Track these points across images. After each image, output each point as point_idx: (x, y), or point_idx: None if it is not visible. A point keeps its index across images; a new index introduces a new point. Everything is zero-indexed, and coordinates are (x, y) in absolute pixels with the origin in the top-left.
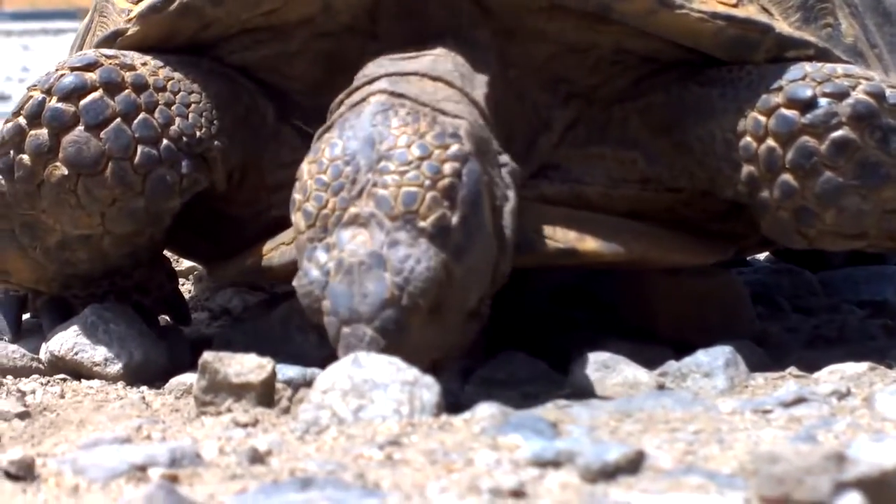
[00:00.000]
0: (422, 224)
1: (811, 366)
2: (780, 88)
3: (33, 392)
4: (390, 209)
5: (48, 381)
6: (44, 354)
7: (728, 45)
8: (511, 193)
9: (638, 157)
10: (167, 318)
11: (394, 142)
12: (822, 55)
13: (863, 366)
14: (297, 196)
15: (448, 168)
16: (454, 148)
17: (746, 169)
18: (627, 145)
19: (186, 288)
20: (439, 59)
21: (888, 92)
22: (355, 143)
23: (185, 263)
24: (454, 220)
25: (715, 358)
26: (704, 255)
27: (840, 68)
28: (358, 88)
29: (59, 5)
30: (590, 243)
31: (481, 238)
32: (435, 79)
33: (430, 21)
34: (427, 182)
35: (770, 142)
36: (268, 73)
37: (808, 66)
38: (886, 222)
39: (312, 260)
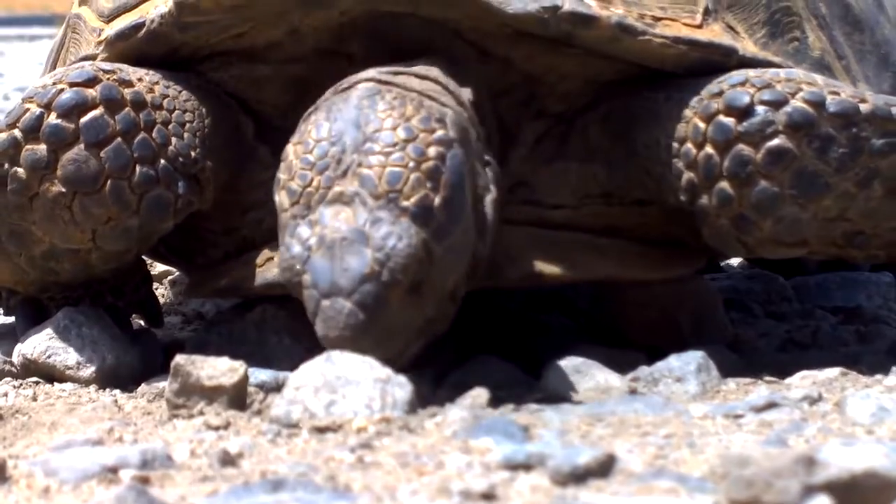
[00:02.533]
0: (404, 203)
1: (783, 371)
2: (720, 93)
3: (6, 395)
4: (374, 188)
5: (21, 384)
6: (16, 357)
7: (693, 67)
8: (493, 187)
9: (598, 170)
10: (140, 320)
11: (380, 124)
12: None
13: (834, 371)
14: (281, 176)
15: (433, 151)
16: (439, 132)
17: (687, 175)
18: (589, 157)
19: (160, 292)
20: (428, 66)
21: (829, 99)
22: (341, 124)
23: (160, 267)
24: (437, 201)
25: (687, 363)
26: (676, 268)
27: (783, 73)
28: (344, 86)
29: (36, 11)
30: (554, 267)
31: (462, 221)
32: (423, 77)
33: (404, 42)
34: (411, 163)
35: (708, 149)
36: (243, 91)
37: (751, 72)
38: (826, 231)
39: (295, 236)
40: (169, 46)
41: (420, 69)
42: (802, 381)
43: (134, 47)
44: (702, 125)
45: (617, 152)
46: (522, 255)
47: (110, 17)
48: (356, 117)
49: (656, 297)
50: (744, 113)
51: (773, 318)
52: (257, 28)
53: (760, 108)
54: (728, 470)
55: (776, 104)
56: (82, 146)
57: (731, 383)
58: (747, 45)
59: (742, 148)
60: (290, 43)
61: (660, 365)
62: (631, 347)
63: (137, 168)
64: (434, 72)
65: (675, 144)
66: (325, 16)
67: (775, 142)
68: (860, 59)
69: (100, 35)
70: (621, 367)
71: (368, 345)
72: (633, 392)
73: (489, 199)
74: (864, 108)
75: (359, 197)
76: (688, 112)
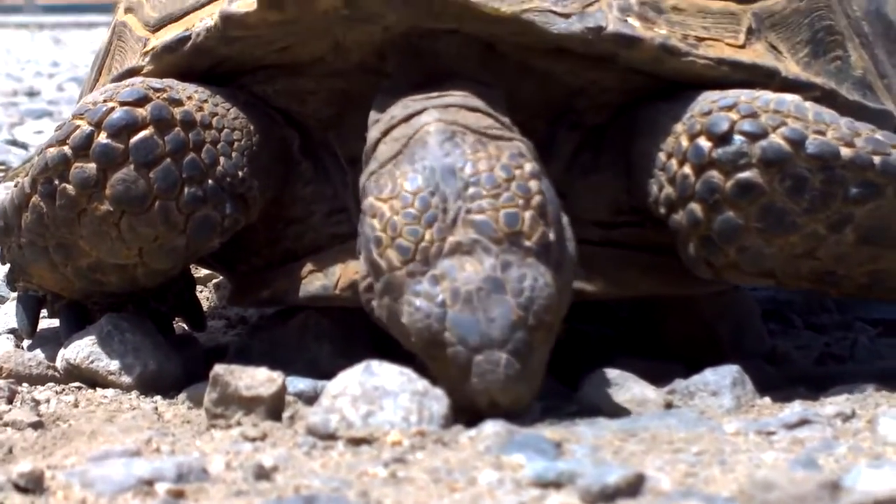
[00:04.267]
0: (527, 243)
1: (819, 385)
2: (708, 113)
3: (48, 401)
4: (493, 232)
5: (63, 390)
6: (60, 362)
7: (736, 87)
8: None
9: (630, 183)
10: (183, 324)
11: (475, 167)
12: (828, 96)
13: (869, 386)
14: (381, 234)
15: (534, 186)
16: (528, 167)
17: (666, 190)
18: (621, 169)
19: (205, 295)
20: (467, 95)
21: (809, 139)
22: (435, 172)
23: (203, 271)
24: (551, 235)
25: (723, 377)
26: (717, 284)
27: (775, 102)
28: (398, 124)
29: None
30: (596, 285)
31: (569, 252)
32: (472, 109)
33: (439, 60)
34: (521, 201)
35: (686, 167)
36: (286, 104)
37: (744, 95)
38: (793, 266)
39: (420, 294)
40: (214, 59)
41: (462, 99)
42: (836, 397)
43: (180, 60)
44: (685, 143)
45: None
46: None
47: (156, 28)
48: (447, 163)
49: (696, 309)
50: (721, 139)
51: (813, 330)
52: (301, 42)
53: (738, 138)
54: (753, 493)
55: (754, 136)
56: (132, 167)
57: (766, 398)
58: (790, 66)
59: (713, 174)
60: (332, 57)
61: (696, 378)
62: (670, 358)
63: (185, 188)
64: (475, 101)
65: (663, 157)
66: (368, 31)
67: (745, 174)
68: None
69: (145, 45)
70: (659, 378)
71: (524, 392)
72: (668, 406)
73: (565, 222)
74: (844, 152)
75: (479, 244)
76: (679, 127)
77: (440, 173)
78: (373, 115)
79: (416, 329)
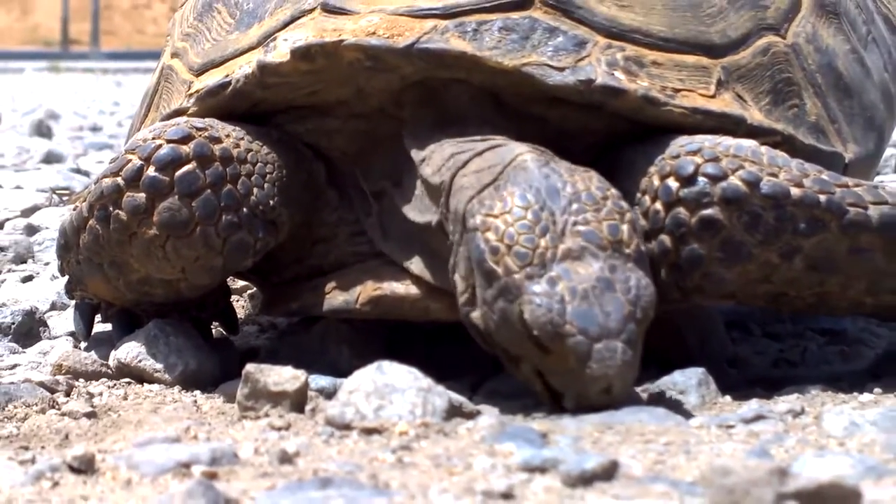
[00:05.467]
0: (627, 251)
1: (774, 386)
2: (677, 157)
3: (101, 394)
4: (599, 240)
5: (114, 385)
6: (112, 361)
7: (708, 132)
8: None
9: None
10: (220, 328)
11: (574, 187)
12: (787, 141)
13: (818, 387)
14: (498, 244)
15: (625, 204)
16: (614, 189)
17: (641, 223)
18: None
19: (241, 304)
20: (504, 139)
21: (764, 181)
22: (540, 192)
23: (240, 282)
24: (642, 246)
25: (689, 378)
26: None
27: (734, 148)
28: (472, 158)
29: (150, 46)
30: None
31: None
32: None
33: (449, 107)
34: (618, 216)
35: (657, 204)
36: (315, 140)
37: (707, 141)
38: (751, 289)
39: (540, 293)
40: (251, 101)
41: (505, 140)
42: (788, 396)
43: (221, 102)
44: (657, 182)
45: None
46: None
47: (199, 72)
48: (550, 184)
49: (668, 318)
50: (687, 180)
51: (769, 338)
52: (328, 87)
53: (701, 180)
54: (713, 479)
55: (715, 178)
56: (176, 197)
57: (728, 396)
58: (754, 114)
59: (680, 211)
60: (355, 101)
61: (666, 379)
62: (644, 361)
63: (223, 216)
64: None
65: (638, 194)
66: (387, 79)
67: (708, 212)
68: (850, 123)
69: (190, 87)
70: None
71: (633, 376)
72: (641, 402)
73: None
74: (794, 192)
75: (587, 251)
76: (652, 168)
77: (545, 192)
78: (415, 153)
79: (540, 323)
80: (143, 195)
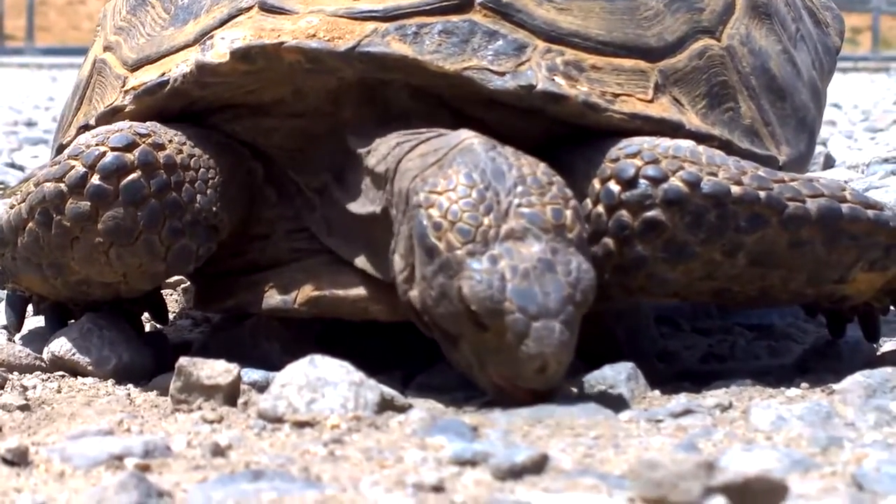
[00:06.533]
0: (569, 235)
1: (702, 381)
2: (616, 160)
3: (34, 387)
4: (542, 223)
5: (48, 378)
6: (46, 354)
7: (646, 136)
8: None
9: None
10: (152, 320)
11: (520, 171)
12: (724, 146)
13: (746, 382)
14: (441, 220)
15: (569, 191)
16: (559, 176)
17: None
18: None
19: (174, 298)
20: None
21: (704, 181)
22: (486, 172)
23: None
24: (584, 233)
25: (619, 372)
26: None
27: (673, 149)
28: (419, 143)
29: (85, 42)
30: None
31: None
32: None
33: (391, 105)
34: (562, 201)
35: (599, 207)
36: (252, 138)
37: (646, 143)
38: (695, 287)
39: (481, 270)
40: (188, 100)
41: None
42: (717, 391)
43: (158, 101)
44: (598, 186)
45: None
46: None
47: (134, 67)
48: (496, 166)
49: (597, 313)
50: (628, 183)
51: (698, 333)
52: (265, 87)
53: (642, 182)
54: (641, 472)
55: (656, 180)
56: (121, 206)
57: (657, 391)
58: (691, 119)
59: (623, 213)
60: (293, 100)
61: (596, 373)
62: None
63: (167, 223)
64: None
65: (579, 197)
66: (323, 80)
67: (651, 213)
68: (783, 125)
69: (125, 83)
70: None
71: (568, 358)
72: (571, 396)
73: None
74: (734, 190)
75: (530, 232)
76: (592, 171)
77: (491, 173)
78: (360, 149)
79: (479, 299)
80: (87, 203)
